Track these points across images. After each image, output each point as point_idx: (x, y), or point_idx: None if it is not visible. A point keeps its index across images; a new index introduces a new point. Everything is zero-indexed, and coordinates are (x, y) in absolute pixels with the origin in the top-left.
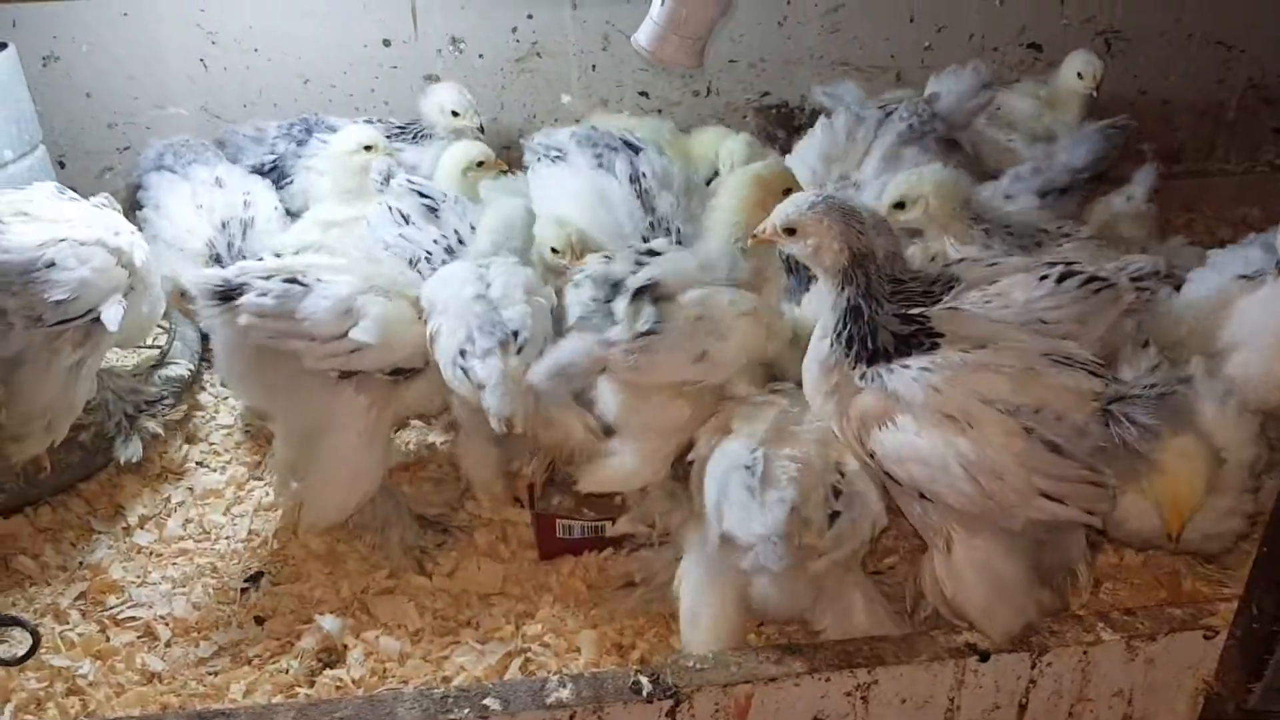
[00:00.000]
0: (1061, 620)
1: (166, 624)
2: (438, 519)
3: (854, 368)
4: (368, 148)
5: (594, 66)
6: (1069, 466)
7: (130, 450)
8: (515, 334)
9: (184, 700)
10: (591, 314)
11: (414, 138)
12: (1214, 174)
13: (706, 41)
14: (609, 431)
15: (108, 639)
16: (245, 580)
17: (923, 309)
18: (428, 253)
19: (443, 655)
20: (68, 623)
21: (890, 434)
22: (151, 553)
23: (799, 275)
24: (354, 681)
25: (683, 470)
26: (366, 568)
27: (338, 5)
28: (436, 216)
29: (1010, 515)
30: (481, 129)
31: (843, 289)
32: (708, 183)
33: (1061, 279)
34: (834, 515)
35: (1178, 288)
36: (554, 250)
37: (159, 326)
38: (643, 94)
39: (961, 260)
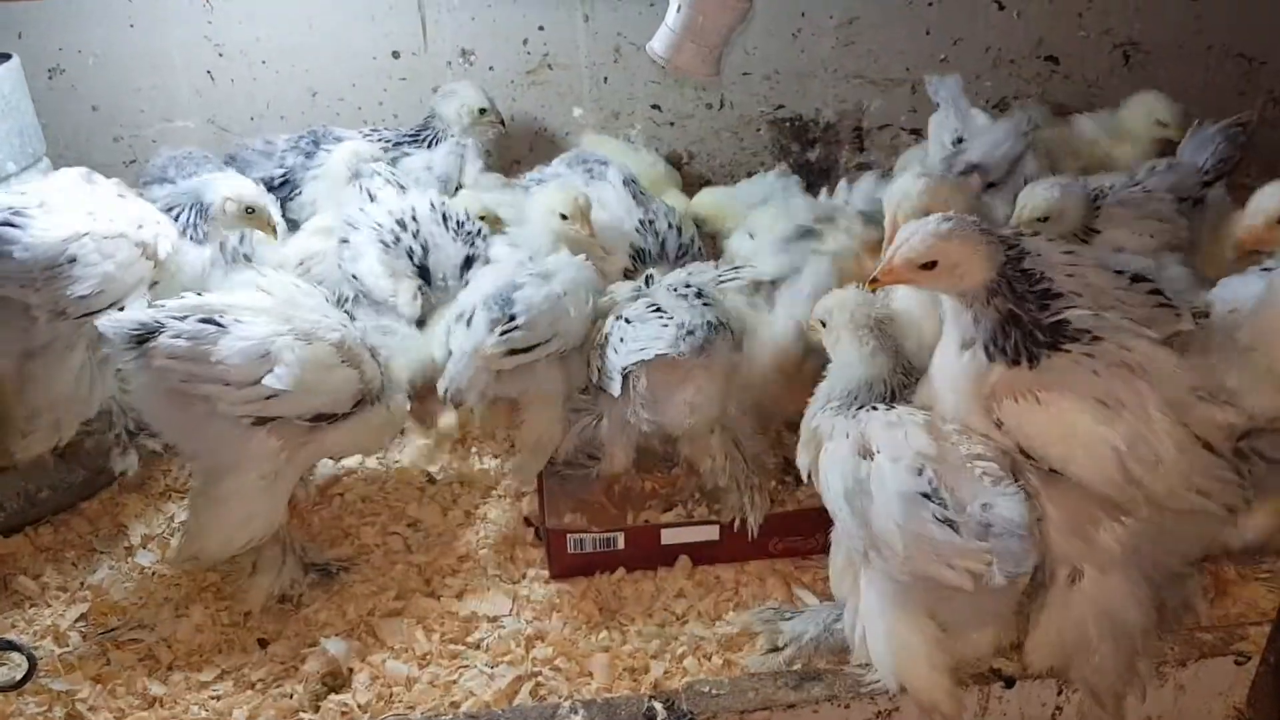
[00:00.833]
0: None
1: (168, 647)
2: (326, 564)
3: (1012, 366)
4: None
5: (606, 79)
6: (1219, 464)
7: (126, 463)
8: (512, 316)
9: None
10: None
11: (427, 143)
12: (1235, 189)
13: (723, 50)
14: None
15: (108, 662)
16: None
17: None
18: (378, 224)
19: (451, 679)
20: (68, 645)
21: (1027, 406)
22: (154, 573)
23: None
24: (360, 707)
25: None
26: (373, 590)
27: (346, 17)
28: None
29: (1149, 503)
30: (503, 122)
31: (989, 301)
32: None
33: (1135, 279)
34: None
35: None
36: (563, 216)
37: None
38: (655, 107)
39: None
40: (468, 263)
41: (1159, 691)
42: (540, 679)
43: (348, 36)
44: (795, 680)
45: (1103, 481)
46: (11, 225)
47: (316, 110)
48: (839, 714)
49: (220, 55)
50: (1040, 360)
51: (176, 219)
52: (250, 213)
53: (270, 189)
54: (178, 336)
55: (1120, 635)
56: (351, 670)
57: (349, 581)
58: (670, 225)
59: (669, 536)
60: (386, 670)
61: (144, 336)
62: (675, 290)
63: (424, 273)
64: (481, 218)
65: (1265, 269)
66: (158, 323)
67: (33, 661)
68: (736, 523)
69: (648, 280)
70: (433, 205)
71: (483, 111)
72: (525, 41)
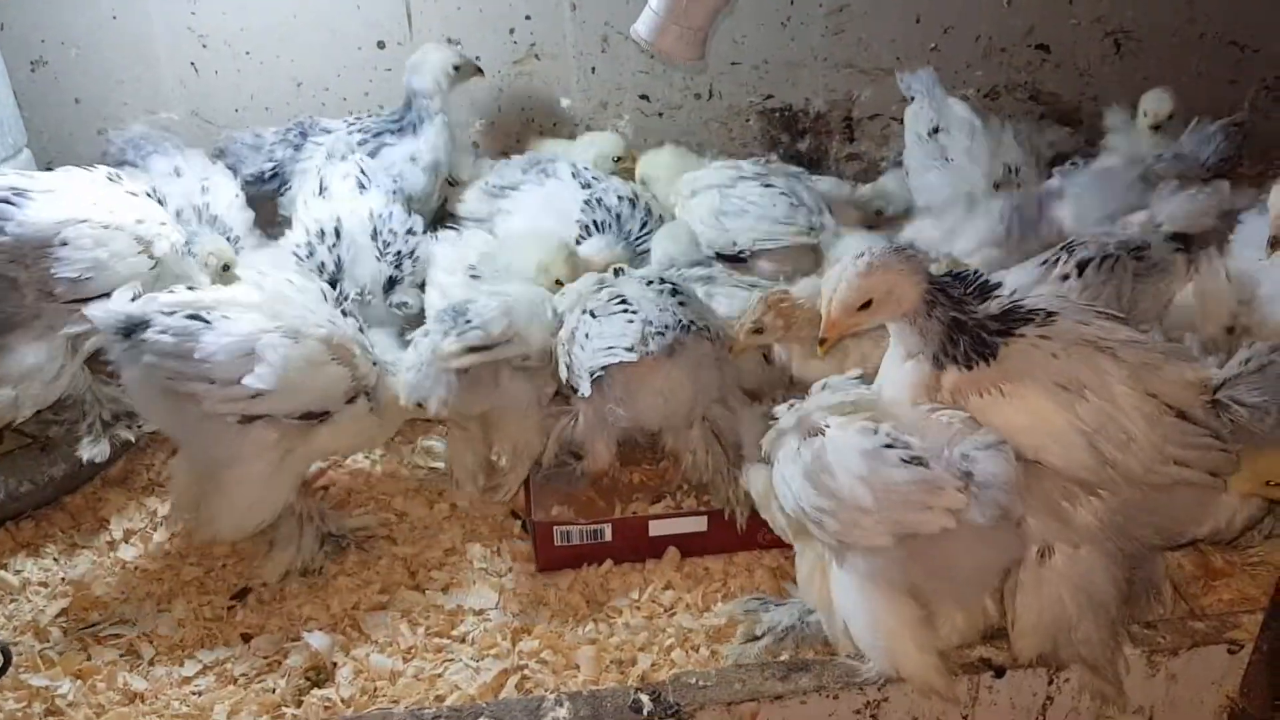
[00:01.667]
0: None
1: (150, 642)
2: (342, 535)
3: (968, 369)
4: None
5: (593, 69)
6: (1195, 431)
7: (96, 450)
8: (468, 321)
9: None
10: None
11: (411, 130)
12: (1228, 177)
13: (708, 33)
14: None
15: (89, 657)
16: (232, 596)
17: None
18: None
19: (436, 673)
20: (48, 640)
21: (992, 400)
22: (136, 567)
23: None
24: (343, 701)
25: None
26: (357, 583)
27: (331, 7)
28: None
29: (1127, 483)
30: (480, 71)
31: (930, 315)
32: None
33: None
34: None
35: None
36: (559, 282)
37: None
38: (643, 97)
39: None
40: (390, 284)
41: (1151, 680)
42: (526, 672)
43: (333, 27)
44: (783, 671)
45: (1077, 467)
46: (9, 203)
47: (301, 101)
48: (827, 705)
49: (204, 46)
50: (998, 352)
51: None
52: (226, 270)
53: (261, 183)
54: (164, 332)
55: (1098, 607)
56: (335, 664)
57: (367, 557)
58: (621, 198)
59: (657, 528)
60: (370, 664)
61: (131, 329)
62: (649, 283)
63: (334, 285)
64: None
65: None
66: (145, 317)
67: (7, 655)
68: (727, 512)
69: (616, 272)
70: (371, 215)
71: (457, 69)
72: (512, 31)
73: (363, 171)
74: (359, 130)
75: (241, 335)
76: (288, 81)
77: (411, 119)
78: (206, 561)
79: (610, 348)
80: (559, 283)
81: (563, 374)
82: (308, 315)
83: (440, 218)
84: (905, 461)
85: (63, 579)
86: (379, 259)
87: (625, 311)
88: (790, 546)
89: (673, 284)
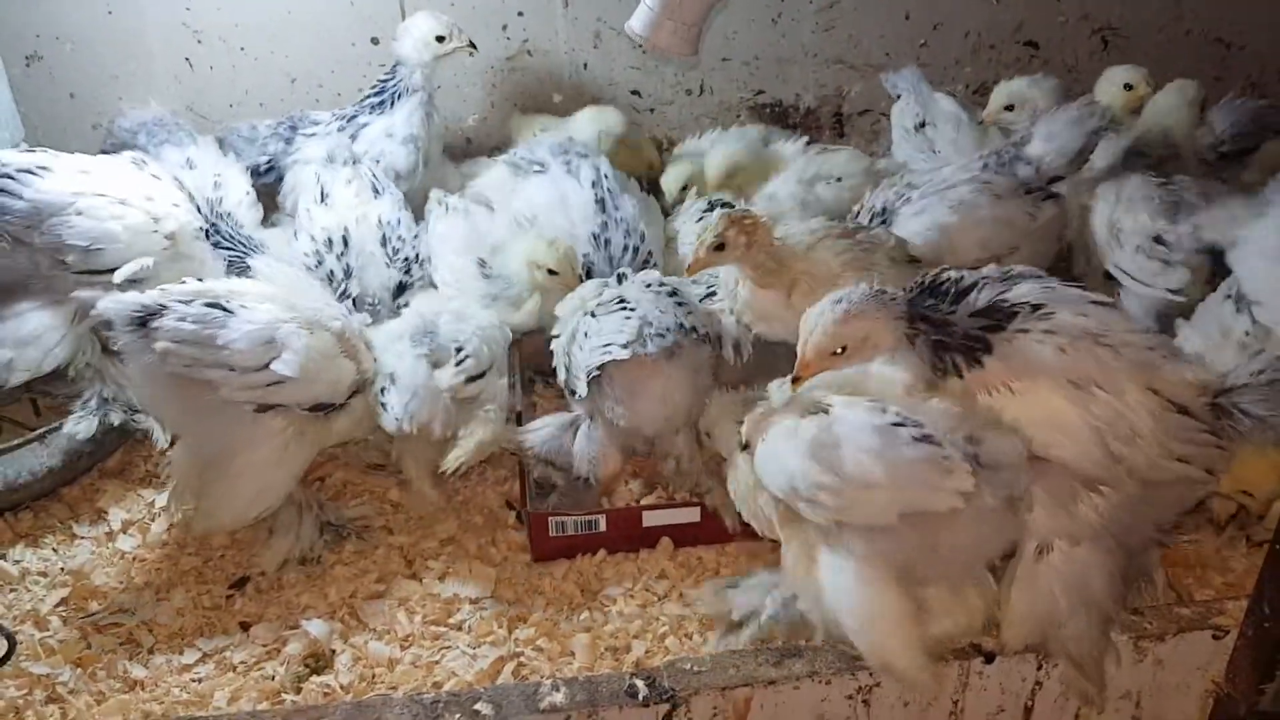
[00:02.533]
0: None
1: (150, 630)
2: (342, 524)
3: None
4: None
5: (585, 65)
6: (1195, 426)
7: (81, 427)
8: (460, 349)
9: (167, 708)
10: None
11: (388, 104)
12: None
13: (702, 28)
14: None
15: (89, 645)
16: (231, 585)
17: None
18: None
19: (433, 660)
20: (48, 629)
21: (1003, 399)
22: (135, 558)
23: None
24: (342, 688)
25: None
26: (354, 572)
27: (325, 3)
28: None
29: (1132, 479)
30: (472, 46)
31: (913, 344)
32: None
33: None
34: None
35: None
36: (551, 271)
37: None
38: (635, 93)
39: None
40: (400, 289)
41: (1137, 666)
42: (522, 659)
43: (327, 22)
44: (776, 657)
45: (1086, 463)
46: (31, 173)
47: (295, 97)
48: (820, 690)
49: (199, 42)
50: (993, 351)
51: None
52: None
53: (257, 175)
54: (183, 320)
55: (1090, 605)
56: (333, 652)
57: (364, 546)
58: (627, 246)
59: (650, 519)
60: (369, 651)
61: (145, 318)
62: (649, 285)
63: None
64: None
65: None
66: (161, 305)
67: (12, 642)
68: (717, 512)
69: (619, 278)
70: (381, 221)
71: (440, 39)
72: (504, 27)
73: (375, 177)
74: (339, 119)
75: (263, 323)
76: (282, 77)
77: (392, 90)
78: (205, 551)
79: (606, 345)
80: (551, 272)
81: (561, 377)
82: (322, 308)
83: None
84: (917, 440)
85: (62, 569)
86: (389, 265)
87: (623, 309)
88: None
89: (672, 286)
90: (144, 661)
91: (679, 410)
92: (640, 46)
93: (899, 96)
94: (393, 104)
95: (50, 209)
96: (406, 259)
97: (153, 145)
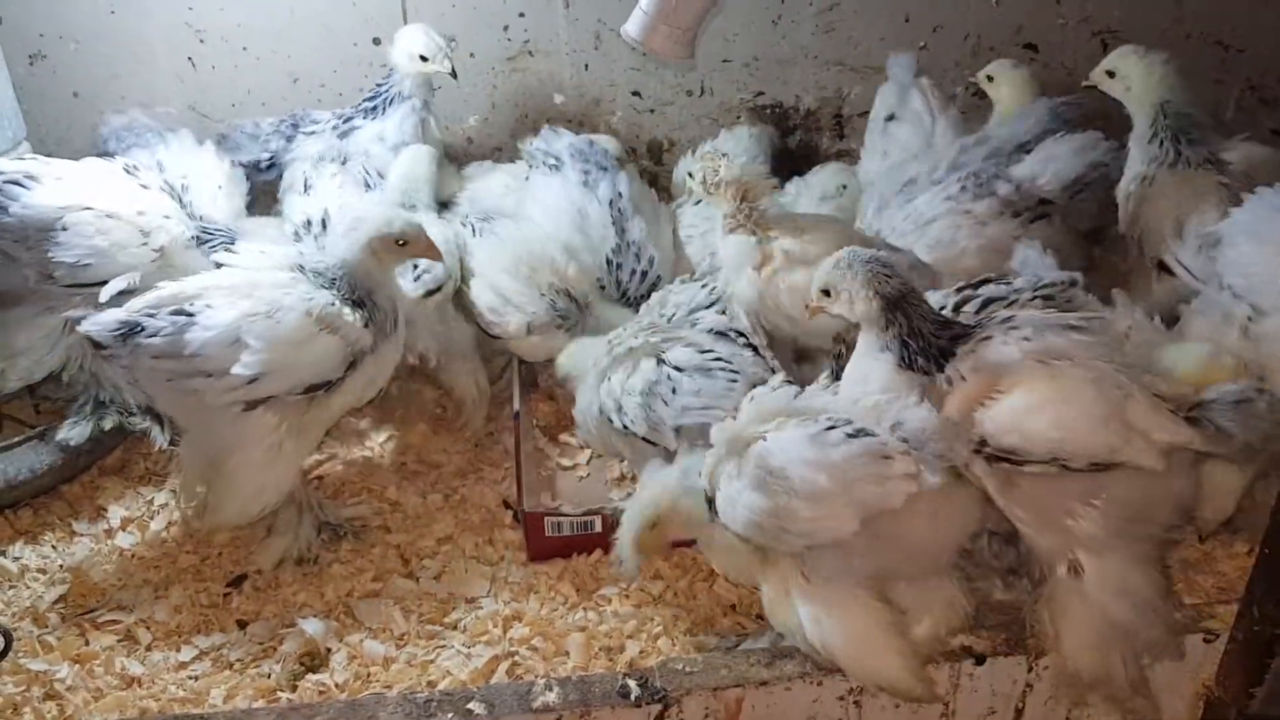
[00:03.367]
0: None
1: (147, 628)
2: (339, 524)
3: (937, 373)
4: None
5: (586, 66)
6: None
7: (75, 432)
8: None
9: (163, 705)
10: None
11: (381, 109)
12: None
13: (697, 32)
14: None
15: (87, 643)
16: (228, 584)
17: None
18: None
19: (428, 659)
20: (46, 626)
21: (1000, 404)
22: (133, 555)
23: None
24: (337, 686)
25: None
26: (351, 571)
27: (327, 3)
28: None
29: (1143, 451)
30: (454, 73)
31: (887, 328)
32: None
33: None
34: None
35: None
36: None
37: None
38: (635, 94)
39: None
40: None
41: None
42: (517, 658)
43: (329, 22)
44: (768, 658)
45: (1098, 439)
46: (19, 185)
47: (297, 96)
48: (811, 691)
49: (201, 41)
50: (955, 354)
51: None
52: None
53: (259, 171)
54: (153, 335)
55: (1145, 609)
56: (329, 650)
57: (361, 545)
58: (635, 270)
59: None
60: (364, 650)
61: (127, 334)
62: (716, 332)
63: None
64: None
65: None
66: (135, 321)
67: (9, 638)
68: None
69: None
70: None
71: (424, 58)
72: (506, 28)
73: (367, 173)
74: (336, 119)
75: (225, 324)
76: (284, 77)
77: (385, 96)
78: (202, 549)
79: (708, 408)
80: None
81: (624, 422)
82: (283, 293)
83: None
84: (850, 436)
85: (61, 566)
86: None
87: (723, 367)
88: None
89: (734, 329)
90: (141, 658)
91: None
92: (636, 51)
93: (888, 79)
94: (385, 109)
95: (37, 224)
96: None
97: (121, 150)
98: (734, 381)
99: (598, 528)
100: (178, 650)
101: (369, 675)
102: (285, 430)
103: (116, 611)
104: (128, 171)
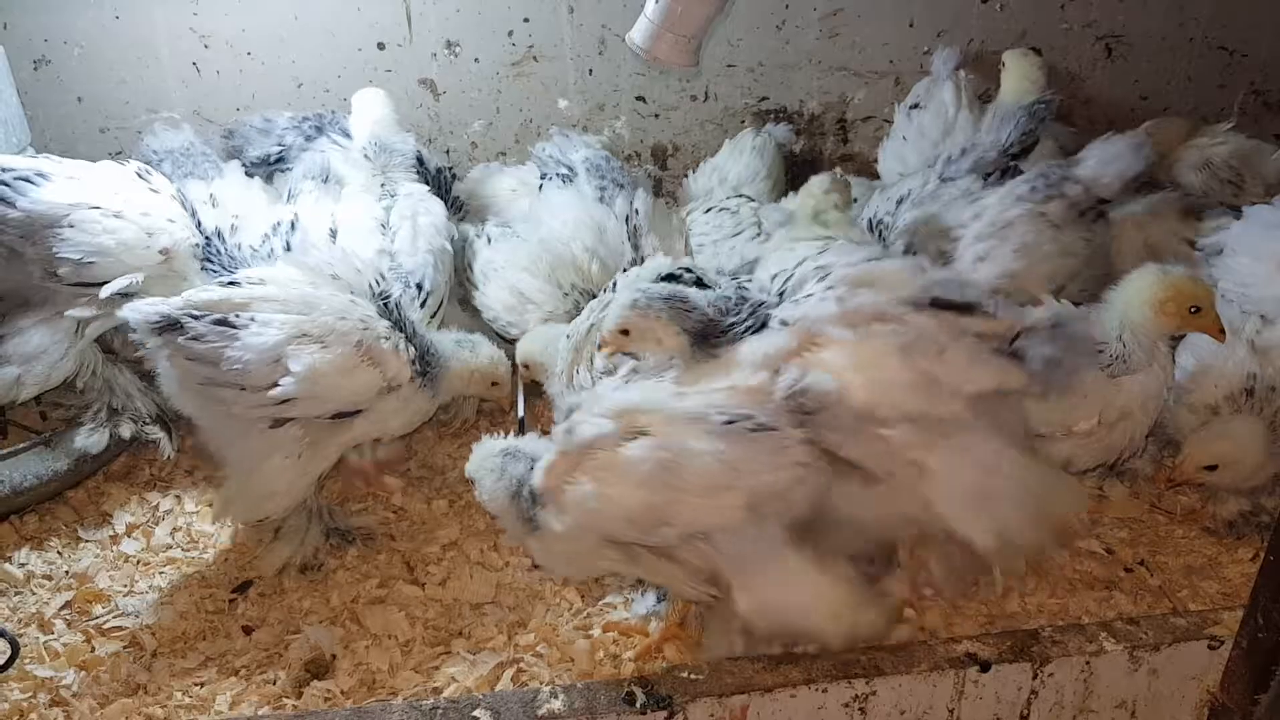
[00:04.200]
0: (1063, 630)
1: (153, 634)
2: (347, 530)
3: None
4: None
5: (591, 71)
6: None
7: (92, 441)
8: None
9: (169, 712)
10: None
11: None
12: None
13: (702, 40)
14: None
15: (93, 649)
16: (233, 590)
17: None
18: None
19: (434, 666)
20: (52, 632)
21: (818, 354)
22: (139, 561)
23: None
24: (343, 693)
25: None
26: (356, 577)
27: (332, 8)
28: None
29: (952, 397)
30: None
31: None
32: None
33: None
34: None
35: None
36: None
37: None
38: (640, 99)
39: None
40: None
41: (1133, 675)
42: (522, 665)
43: (333, 27)
44: (773, 664)
45: (907, 404)
46: (29, 181)
47: (302, 101)
48: (816, 698)
49: (206, 47)
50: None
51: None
52: None
53: (266, 165)
54: (195, 338)
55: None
56: (335, 657)
57: (366, 552)
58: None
59: None
60: (370, 657)
61: (164, 328)
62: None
63: None
64: None
65: None
66: (178, 319)
67: (15, 646)
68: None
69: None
70: (332, 218)
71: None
72: (510, 33)
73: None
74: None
75: (270, 343)
76: (289, 82)
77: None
78: (208, 555)
79: None
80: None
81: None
82: (338, 320)
83: None
84: (753, 431)
85: (66, 572)
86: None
87: None
88: None
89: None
90: (147, 665)
91: None
92: (641, 59)
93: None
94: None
95: (44, 220)
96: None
97: (178, 176)
98: None
99: None
100: (183, 657)
101: (374, 682)
102: (309, 442)
103: (122, 618)
104: (140, 176)
